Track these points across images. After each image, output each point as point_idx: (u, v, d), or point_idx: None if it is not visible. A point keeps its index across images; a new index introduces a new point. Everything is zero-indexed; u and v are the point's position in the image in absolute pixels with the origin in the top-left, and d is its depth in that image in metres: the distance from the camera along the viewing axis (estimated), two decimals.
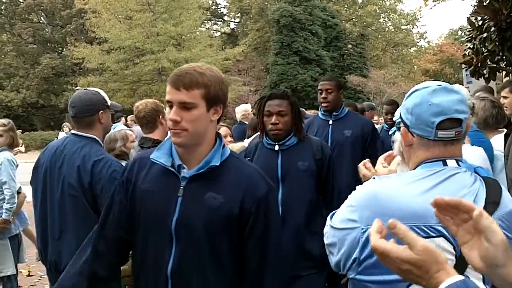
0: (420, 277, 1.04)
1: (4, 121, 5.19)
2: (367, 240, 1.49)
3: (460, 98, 1.55)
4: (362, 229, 1.51)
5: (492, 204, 1.47)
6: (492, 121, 3.51)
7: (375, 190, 1.56)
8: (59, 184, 2.88)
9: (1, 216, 4.85)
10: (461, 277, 1.01)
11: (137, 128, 10.64)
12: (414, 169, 1.61)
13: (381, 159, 1.94)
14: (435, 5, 12.84)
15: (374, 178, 1.63)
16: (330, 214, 1.71)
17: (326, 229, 1.68)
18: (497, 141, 3.42)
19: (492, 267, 1.04)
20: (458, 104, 1.53)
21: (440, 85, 1.58)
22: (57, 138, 16.31)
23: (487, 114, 3.50)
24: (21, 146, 6.92)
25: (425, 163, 1.57)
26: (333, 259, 1.63)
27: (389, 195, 1.51)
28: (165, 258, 1.82)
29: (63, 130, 16.59)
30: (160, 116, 3.67)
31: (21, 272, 5.95)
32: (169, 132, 1.88)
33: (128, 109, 27.26)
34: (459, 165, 1.56)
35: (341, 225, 1.58)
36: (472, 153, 2.77)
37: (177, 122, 1.76)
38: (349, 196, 1.63)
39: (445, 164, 1.54)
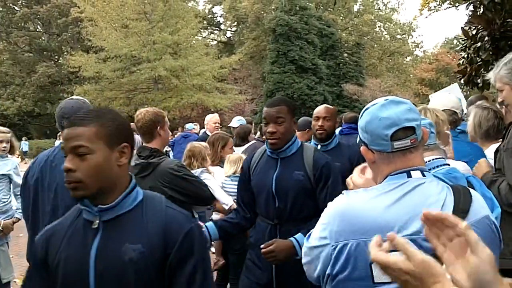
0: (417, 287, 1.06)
1: (5, 128, 5.38)
2: (337, 256, 1.54)
3: (408, 107, 1.60)
4: (333, 245, 1.55)
5: (460, 213, 1.49)
6: (493, 131, 3.48)
7: (342, 207, 1.60)
8: (50, 195, 2.85)
9: (12, 217, 5.18)
10: None
11: (136, 137, 10.68)
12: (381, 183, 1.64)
13: (357, 171, 1.98)
14: (430, 14, 12.95)
15: (342, 193, 1.67)
16: (307, 234, 1.74)
17: (304, 250, 1.72)
18: (492, 151, 3.39)
19: (480, 285, 1.05)
20: (407, 113, 1.58)
21: (387, 99, 1.63)
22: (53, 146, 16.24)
23: (490, 125, 3.46)
24: (18, 157, 7.05)
25: (390, 176, 1.60)
26: (313, 276, 1.67)
27: (356, 211, 1.54)
28: None
29: (59, 139, 16.60)
30: (158, 127, 3.63)
31: (15, 282, 5.93)
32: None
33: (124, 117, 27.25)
34: (424, 175, 1.59)
35: (314, 243, 1.62)
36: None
37: None
38: (322, 214, 1.67)
39: (409, 176, 1.57)
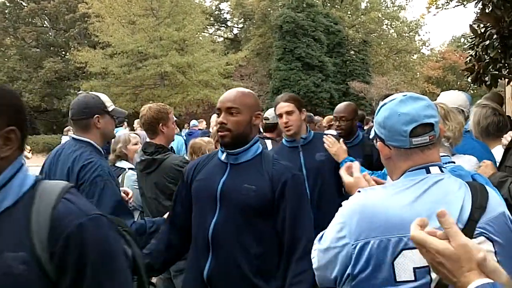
0: (451, 272, 1.05)
1: None
2: (359, 255, 1.51)
3: (427, 103, 1.58)
4: (353, 244, 1.52)
5: (479, 209, 1.48)
6: (493, 128, 3.47)
7: (361, 204, 1.57)
8: None
9: None
10: (491, 281, 1.01)
11: (143, 132, 10.64)
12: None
13: (343, 171, 1.97)
14: (438, 12, 12.86)
15: (359, 191, 1.64)
16: (318, 236, 1.71)
17: (315, 253, 1.68)
18: (499, 151, 3.32)
19: None
20: (426, 110, 1.57)
21: (406, 95, 1.62)
22: (60, 142, 16.30)
23: (489, 122, 3.45)
24: (29, 152, 6.98)
25: (408, 172, 1.58)
26: (327, 280, 1.63)
27: (376, 208, 1.52)
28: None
29: (65, 134, 16.63)
30: (161, 124, 3.62)
31: None
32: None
33: (130, 113, 27.35)
34: (442, 171, 1.58)
35: (331, 244, 1.59)
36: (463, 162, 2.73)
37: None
38: (336, 214, 1.64)
39: (428, 172, 1.56)
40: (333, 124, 7.44)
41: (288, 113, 3.57)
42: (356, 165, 1.95)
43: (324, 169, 3.55)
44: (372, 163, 3.86)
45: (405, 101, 1.58)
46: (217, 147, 4.93)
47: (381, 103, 1.68)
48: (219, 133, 2.41)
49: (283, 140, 3.78)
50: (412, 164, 1.57)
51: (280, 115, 3.62)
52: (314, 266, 1.68)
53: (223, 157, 2.48)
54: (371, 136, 1.74)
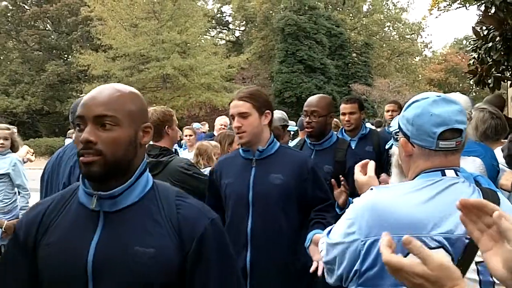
0: None
1: (7, 125, 5.37)
2: (367, 252, 1.50)
3: (459, 108, 1.58)
4: (362, 241, 1.52)
5: None
6: (491, 132, 3.47)
7: (373, 201, 1.56)
8: (57, 188, 2.94)
9: (16, 218, 5.13)
10: None
11: None
12: (413, 179, 1.62)
13: (357, 168, 1.97)
14: (440, 14, 12.89)
15: (371, 189, 1.64)
16: (327, 230, 1.71)
17: (323, 246, 1.68)
18: (499, 153, 3.32)
19: None
20: (458, 115, 1.56)
21: (440, 96, 1.61)
22: (63, 145, 16.31)
23: (487, 126, 3.46)
24: (32, 155, 7.00)
25: (423, 173, 1.58)
26: (334, 274, 1.63)
27: (388, 206, 1.52)
28: None
29: (69, 136, 16.65)
30: (167, 127, 3.63)
31: None
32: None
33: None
34: (457, 175, 1.58)
35: (340, 239, 1.59)
36: (466, 163, 2.74)
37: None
38: (347, 210, 1.64)
39: (443, 174, 1.56)
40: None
41: (242, 115, 2.71)
42: (371, 164, 1.96)
43: (275, 198, 2.68)
44: (344, 171, 3.25)
45: (439, 102, 1.57)
46: (230, 148, 4.91)
47: (412, 99, 1.66)
48: (82, 159, 1.42)
49: (240, 148, 2.93)
50: (432, 166, 1.57)
51: (232, 117, 2.77)
52: (324, 259, 1.68)
53: (92, 203, 1.46)
54: (391, 129, 1.73)
